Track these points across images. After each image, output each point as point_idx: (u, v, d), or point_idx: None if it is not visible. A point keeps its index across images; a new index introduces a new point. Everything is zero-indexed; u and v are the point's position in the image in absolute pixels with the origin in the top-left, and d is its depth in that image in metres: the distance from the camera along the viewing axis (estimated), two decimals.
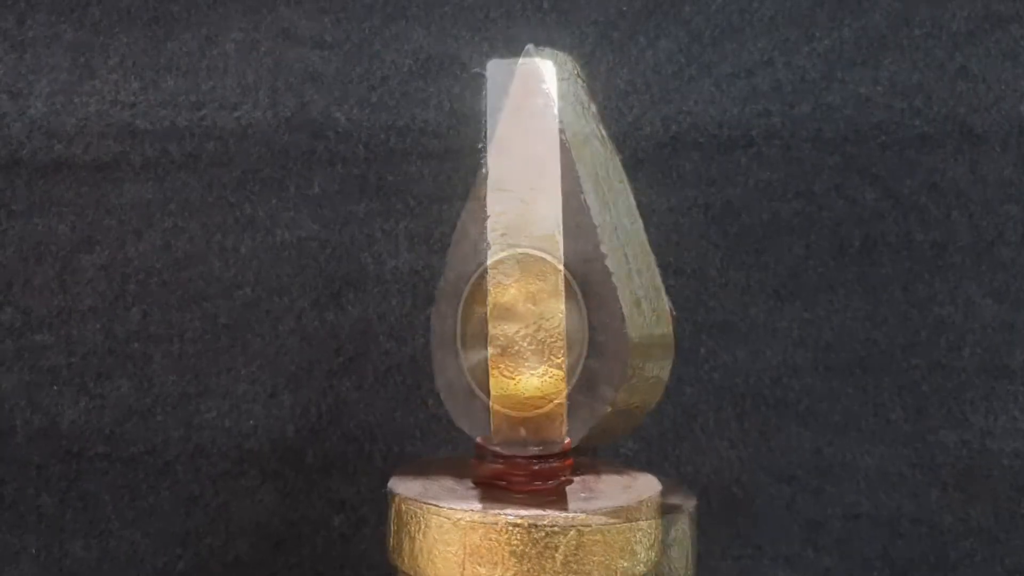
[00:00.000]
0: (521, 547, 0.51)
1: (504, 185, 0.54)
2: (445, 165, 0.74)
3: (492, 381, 0.54)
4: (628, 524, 0.52)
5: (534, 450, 0.54)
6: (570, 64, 0.56)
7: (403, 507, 0.54)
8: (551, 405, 0.53)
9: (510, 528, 0.51)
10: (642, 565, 0.52)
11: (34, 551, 0.73)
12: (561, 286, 0.53)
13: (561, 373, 0.53)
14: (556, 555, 0.51)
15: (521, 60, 0.55)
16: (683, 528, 0.54)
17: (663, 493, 0.56)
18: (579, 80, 0.56)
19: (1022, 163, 0.76)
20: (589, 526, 0.51)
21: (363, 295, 0.74)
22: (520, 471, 0.55)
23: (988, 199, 0.76)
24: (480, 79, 0.60)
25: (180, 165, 0.73)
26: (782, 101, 0.76)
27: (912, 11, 0.76)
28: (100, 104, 0.72)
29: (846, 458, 0.77)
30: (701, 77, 0.75)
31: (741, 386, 0.76)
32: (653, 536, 0.53)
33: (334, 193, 0.74)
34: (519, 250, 0.53)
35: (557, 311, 0.54)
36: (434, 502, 0.53)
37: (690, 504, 0.55)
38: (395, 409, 0.74)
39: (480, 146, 0.55)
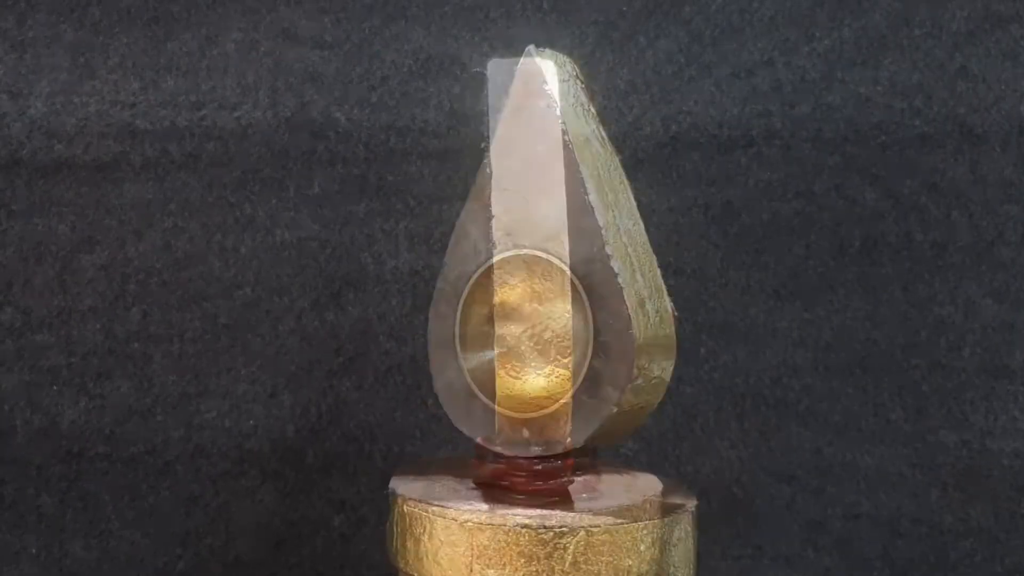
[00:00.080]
0: (531, 548, 0.51)
1: (508, 185, 0.54)
2: (445, 165, 0.74)
3: (498, 381, 0.54)
4: (636, 524, 0.52)
5: (536, 451, 0.54)
6: (569, 65, 0.56)
7: (406, 508, 0.54)
8: (556, 405, 0.53)
9: (519, 529, 0.51)
10: (647, 564, 0.52)
11: (34, 551, 0.73)
12: (567, 286, 0.53)
13: (567, 373, 0.53)
14: (566, 556, 0.51)
15: (522, 60, 0.55)
16: (685, 528, 0.54)
17: (664, 493, 0.56)
18: (578, 81, 0.56)
19: (1022, 163, 0.76)
20: (598, 526, 0.51)
21: (363, 295, 0.74)
22: (522, 471, 0.55)
23: (988, 199, 0.76)
24: (481, 79, 0.61)
25: (180, 165, 0.73)
26: (782, 101, 0.76)
27: (912, 11, 0.76)
28: (100, 104, 0.72)
29: (846, 458, 0.77)
30: (701, 77, 0.75)
31: (741, 386, 0.76)
32: (658, 535, 0.53)
33: (334, 193, 0.74)
34: (524, 251, 0.53)
35: (563, 311, 0.54)
36: (440, 503, 0.53)
37: (691, 504, 0.55)
38: (395, 409, 0.74)
39: (483, 146, 0.55)
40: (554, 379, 0.54)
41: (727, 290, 0.76)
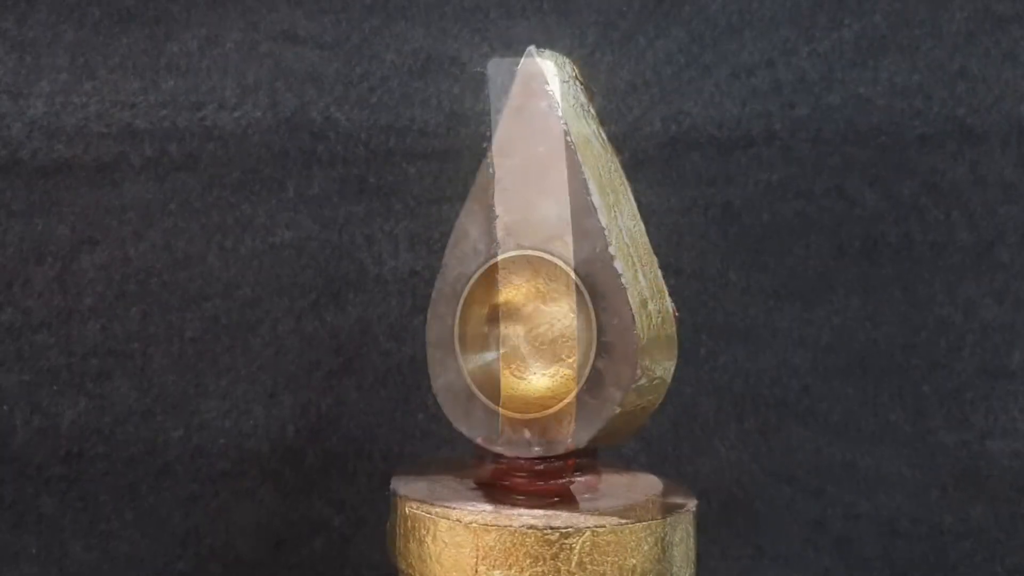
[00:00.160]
0: (537, 548, 0.51)
1: (509, 186, 0.54)
2: (444, 166, 0.74)
3: (509, 381, 0.54)
4: (641, 523, 0.52)
5: (538, 451, 0.54)
6: (569, 66, 0.56)
7: (408, 510, 0.54)
8: (559, 406, 0.53)
9: (526, 530, 0.51)
10: (650, 564, 0.52)
11: (34, 551, 0.73)
12: (570, 287, 0.53)
13: (570, 373, 0.53)
14: (572, 556, 0.51)
15: (523, 61, 0.55)
16: (687, 528, 0.54)
17: (665, 493, 0.57)
18: (578, 82, 0.56)
19: (1022, 164, 0.76)
20: (604, 526, 0.52)
21: (363, 295, 0.74)
22: (522, 472, 0.55)
23: (988, 200, 0.76)
24: (481, 79, 0.60)
25: (180, 165, 0.73)
26: (782, 101, 0.76)
27: (912, 12, 0.76)
28: (100, 104, 0.72)
29: (846, 458, 0.77)
30: (701, 77, 0.75)
31: (741, 386, 0.76)
32: (661, 535, 0.53)
33: (333, 193, 0.74)
34: (526, 251, 0.53)
35: (566, 312, 0.54)
36: (443, 505, 0.53)
37: (691, 503, 0.55)
38: (395, 410, 0.74)
39: (485, 145, 0.55)
40: (557, 380, 0.54)
41: (727, 290, 0.76)
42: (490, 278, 0.55)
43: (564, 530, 0.51)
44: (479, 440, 0.55)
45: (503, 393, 0.54)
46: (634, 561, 0.52)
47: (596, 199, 0.53)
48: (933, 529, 0.77)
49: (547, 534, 0.51)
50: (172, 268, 0.73)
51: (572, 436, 0.53)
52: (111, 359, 0.72)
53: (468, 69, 0.74)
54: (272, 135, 0.73)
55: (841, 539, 0.77)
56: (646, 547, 0.52)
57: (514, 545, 0.51)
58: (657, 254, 0.56)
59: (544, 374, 0.55)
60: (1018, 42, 0.76)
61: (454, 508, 0.53)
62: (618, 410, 0.52)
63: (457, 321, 0.55)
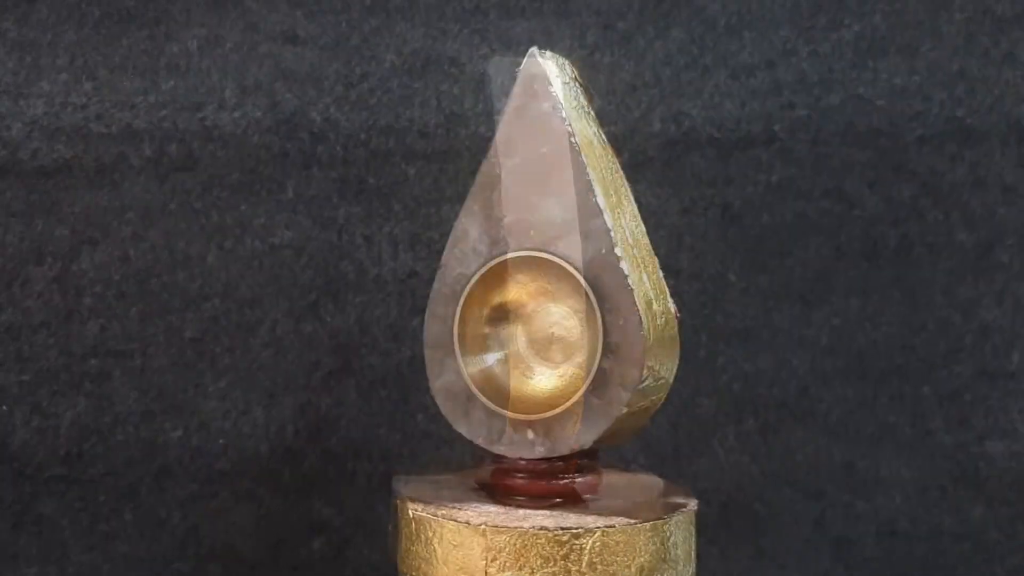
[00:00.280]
0: (548, 549, 0.51)
1: (512, 186, 0.54)
2: (444, 166, 0.74)
3: (507, 382, 0.54)
4: (648, 523, 0.53)
5: (541, 452, 0.54)
6: (569, 67, 0.56)
7: (413, 512, 0.54)
8: (564, 407, 0.53)
9: (537, 531, 0.51)
10: (656, 563, 0.53)
11: (33, 552, 0.72)
12: (575, 287, 0.53)
13: (576, 374, 0.54)
14: (582, 556, 0.51)
15: (525, 62, 0.55)
16: (689, 527, 0.55)
17: (667, 493, 0.57)
18: (577, 83, 0.56)
19: (1022, 165, 0.76)
20: (614, 526, 0.52)
21: (362, 296, 0.74)
22: (523, 473, 0.55)
23: (987, 201, 0.76)
24: (482, 79, 0.60)
25: (179, 166, 0.72)
26: (781, 102, 0.76)
27: (911, 13, 0.76)
28: (100, 104, 0.72)
29: (845, 459, 0.76)
30: (701, 78, 0.75)
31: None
32: (668, 534, 0.53)
33: (333, 194, 0.74)
34: (531, 252, 0.53)
35: (572, 312, 0.54)
36: (450, 507, 0.53)
37: (693, 503, 0.55)
38: (394, 410, 0.74)
39: (491, 145, 0.55)
40: (562, 380, 0.54)
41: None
42: (491, 279, 0.55)
43: (575, 531, 0.51)
44: (480, 441, 0.55)
45: (508, 394, 0.54)
46: (642, 560, 0.52)
47: (601, 200, 0.53)
48: (932, 530, 0.77)
49: (558, 535, 0.51)
50: (172, 268, 0.72)
51: (577, 436, 0.53)
52: (111, 359, 0.72)
53: (468, 70, 0.74)
54: (272, 136, 0.73)
55: (840, 540, 0.77)
56: (653, 547, 0.53)
57: (525, 546, 0.51)
58: (656, 255, 0.57)
59: (548, 375, 0.55)
60: (1017, 43, 0.76)
61: (462, 510, 0.53)
62: (624, 410, 0.52)
63: (456, 322, 0.55)
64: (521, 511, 0.53)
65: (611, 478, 0.58)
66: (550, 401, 0.54)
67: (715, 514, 0.75)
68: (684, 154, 0.75)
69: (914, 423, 0.77)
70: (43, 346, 0.72)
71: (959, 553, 0.77)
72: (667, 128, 0.75)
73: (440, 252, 0.56)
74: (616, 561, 0.52)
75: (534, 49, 0.55)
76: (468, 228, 0.55)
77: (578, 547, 0.51)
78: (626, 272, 0.52)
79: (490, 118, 0.69)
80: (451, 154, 0.74)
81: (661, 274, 0.56)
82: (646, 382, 0.53)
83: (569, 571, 0.51)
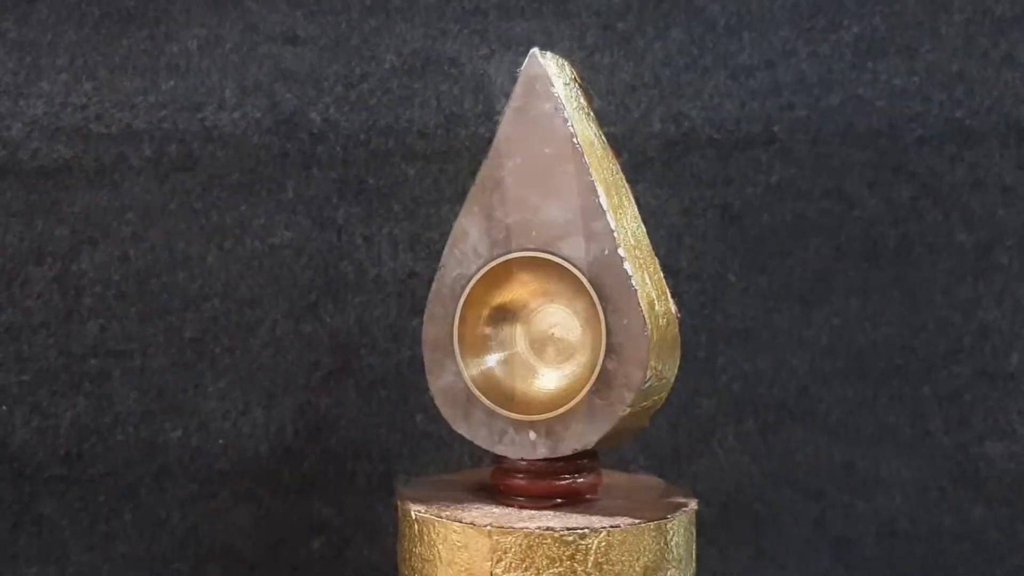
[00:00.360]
0: (554, 550, 0.51)
1: (513, 187, 0.54)
2: (444, 167, 0.74)
3: (510, 383, 0.54)
4: (652, 523, 0.53)
5: (543, 452, 0.54)
6: (568, 68, 0.56)
7: (416, 513, 0.54)
8: (567, 407, 0.53)
9: (543, 531, 0.51)
10: (660, 562, 0.53)
11: (33, 552, 0.72)
12: (578, 288, 0.53)
13: (579, 375, 0.53)
14: (588, 557, 0.51)
15: (526, 63, 0.55)
16: (690, 527, 0.55)
17: (668, 492, 0.57)
18: (577, 84, 0.56)
19: (1021, 166, 0.76)
20: (619, 526, 0.52)
21: (362, 296, 0.74)
22: (524, 473, 0.55)
23: (987, 202, 0.76)
24: (481, 80, 0.60)
25: (179, 166, 0.72)
26: (781, 103, 0.76)
27: (911, 14, 0.76)
28: (100, 104, 0.72)
29: (845, 460, 0.76)
30: (701, 79, 0.75)
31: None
32: (671, 534, 0.53)
33: (333, 194, 0.74)
34: (533, 252, 0.53)
35: (575, 312, 0.54)
36: (454, 507, 0.53)
37: (693, 503, 0.55)
38: (394, 410, 0.74)
39: (491, 146, 0.55)
40: (564, 381, 0.54)
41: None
42: (491, 279, 0.55)
43: (581, 531, 0.51)
44: (480, 442, 0.55)
45: (508, 395, 0.54)
46: (646, 560, 0.52)
47: (603, 201, 0.53)
48: (932, 530, 0.77)
49: (564, 535, 0.51)
50: (171, 268, 0.72)
51: (580, 437, 0.53)
52: (110, 359, 0.72)
53: (467, 70, 0.74)
54: (272, 136, 0.73)
55: (840, 540, 0.77)
56: (657, 546, 0.53)
57: (531, 547, 0.51)
58: (656, 255, 0.57)
59: (550, 375, 0.55)
60: (1017, 44, 0.76)
61: (467, 511, 0.53)
62: (628, 411, 0.53)
63: (456, 322, 0.55)
64: (525, 512, 0.53)
65: (610, 478, 0.58)
66: (552, 401, 0.54)
67: (715, 514, 0.75)
68: (684, 155, 0.75)
69: (914, 423, 0.77)
70: (43, 346, 0.72)
71: (959, 553, 0.77)
72: (667, 129, 0.75)
73: (440, 253, 0.56)
74: (621, 561, 0.52)
75: (535, 50, 0.55)
76: (468, 229, 0.55)
77: (584, 547, 0.51)
78: (629, 273, 0.52)
79: (490, 119, 0.69)
80: (451, 154, 0.74)
81: (661, 274, 0.56)
82: (649, 382, 0.53)
83: (575, 571, 0.51)
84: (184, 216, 0.72)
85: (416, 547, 0.54)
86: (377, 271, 0.74)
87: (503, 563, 0.51)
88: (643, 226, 0.56)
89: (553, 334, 0.55)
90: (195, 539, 0.73)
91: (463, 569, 0.52)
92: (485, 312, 0.55)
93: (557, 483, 0.54)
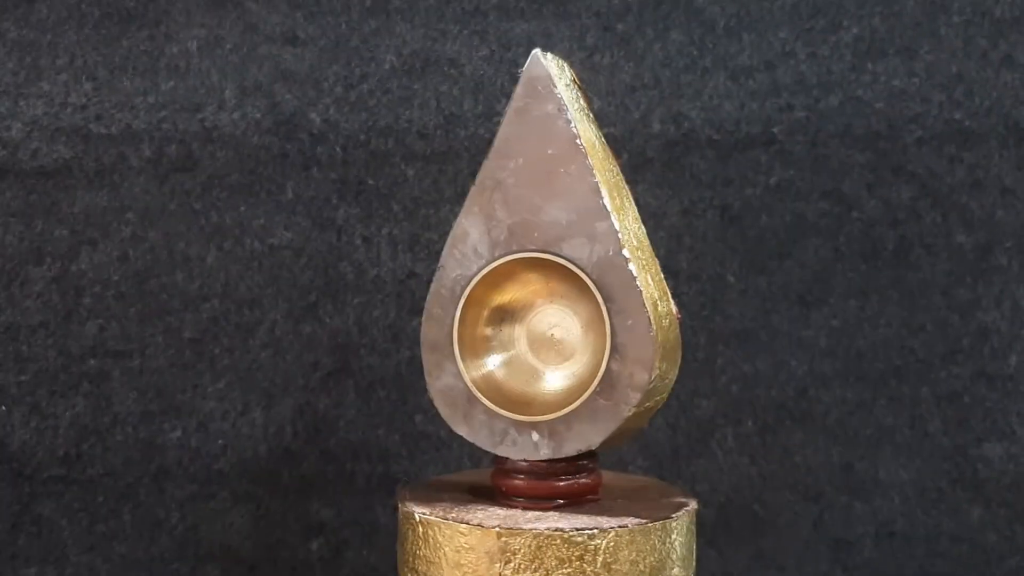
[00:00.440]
0: (563, 551, 0.51)
1: (515, 187, 0.54)
2: (443, 167, 0.74)
3: (511, 384, 0.54)
4: (658, 522, 0.53)
5: (546, 453, 0.54)
6: (568, 70, 0.56)
7: (421, 516, 0.53)
8: (572, 407, 0.53)
9: (552, 532, 0.51)
10: (663, 561, 0.53)
11: (32, 552, 0.72)
12: (582, 288, 0.53)
13: (584, 374, 0.53)
14: (597, 557, 0.51)
15: (527, 63, 0.55)
16: (690, 527, 0.55)
17: (668, 493, 0.57)
18: (576, 85, 0.56)
19: (1020, 167, 0.76)
20: (627, 526, 0.52)
21: (361, 297, 0.74)
22: (525, 474, 0.55)
23: (986, 203, 0.76)
24: (480, 81, 0.60)
25: (179, 167, 0.72)
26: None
27: (910, 15, 0.76)
28: (100, 105, 0.72)
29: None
30: (700, 80, 0.75)
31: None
32: (674, 533, 0.53)
33: (332, 195, 0.73)
34: (535, 253, 0.53)
35: (577, 313, 0.54)
36: (461, 509, 0.53)
37: (693, 503, 0.56)
38: (393, 411, 0.74)
39: (491, 147, 0.55)
40: (567, 382, 0.54)
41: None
42: (492, 280, 0.55)
43: (590, 531, 0.51)
44: (481, 443, 0.55)
45: (511, 396, 0.54)
46: (651, 559, 0.52)
47: (607, 202, 0.53)
48: (930, 532, 0.77)
49: (573, 536, 0.51)
50: (171, 269, 0.72)
51: (584, 438, 0.53)
52: (109, 360, 0.72)
53: (467, 71, 0.74)
54: (271, 136, 0.73)
55: (839, 541, 0.77)
56: (662, 545, 0.53)
57: (540, 548, 0.51)
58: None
59: (552, 376, 0.55)
60: (1016, 46, 0.76)
61: (471, 512, 0.53)
62: (633, 411, 0.52)
63: (456, 323, 0.55)
64: (531, 513, 0.53)
65: (611, 479, 0.58)
66: (554, 402, 0.54)
67: (714, 515, 0.75)
68: (683, 155, 0.75)
69: (912, 425, 0.77)
70: (42, 346, 0.72)
71: (957, 555, 0.77)
72: (666, 129, 0.75)
73: (439, 253, 0.56)
74: (629, 560, 0.52)
75: (537, 51, 0.55)
76: (468, 229, 0.55)
77: (593, 548, 0.51)
78: (634, 274, 0.52)
79: (489, 119, 0.69)
80: (450, 155, 0.74)
81: (662, 275, 0.56)
82: (653, 383, 0.53)
83: (584, 572, 0.51)
84: (184, 216, 0.72)
85: (420, 549, 0.53)
86: (376, 271, 0.74)
87: (512, 564, 0.51)
88: (643, 227, 0.56)
89: (553, 335, 0.55)
90: (194, 539, 0.73)
91: (470, 571, 0.52)
92: (485, 313, 0.55)
93: (559, 484, 0.54)
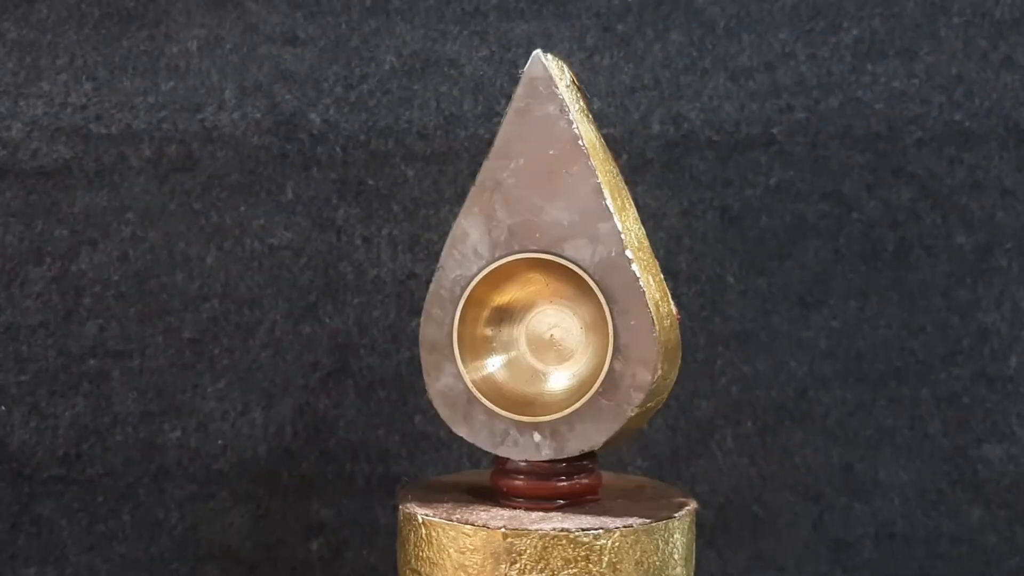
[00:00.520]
0: (568, 551, 0.51)
1: (516, 188, 0.54)
2: (443, 168, 0.74)
3: (512, 384, 0.54)
4: (661, 522, 0.53)
5: (547, 454, 0.54)
6: (568, 71, 0.56)
7: (424, 517, 0.53)
8: (574, 407, 0.53)
9: (558, 532, 0.51)
10: (665, 560, 0.53)
11: (32, 553, 0.72)
12: (584, 289, 0.53)
13: (586, 374, 0.53)
14: (603, 557, 0.51)
15: (528, 64, 0.55)
16: (691, 526, 0.55)
17: (667, 493, 0.57)
18: (575, 86, 0.56)
19: (1020, 168, 0.76)
20: (631, 526, 0.52)
21: (361, 297, 0.74)
22: (526, 475, 0.55)
23: (986, 204, 0.76)
24: (480, 81, 0.60)
25: (179, 167, 0.72)
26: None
27: (910, 16, 0.76)
28: (100, 105, 0.72)
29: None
30: (700, 81, 0.75)
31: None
32: (676, 533, 0.53)
33: (332, 195, 0.73)
34: (537, 253, 0.53)
35: (579, 314, 0.54)
36: (466, 510, 0.53)
37: (692, 503, 0.56)
38: (393, 411, 0.74)
39: (491, 147, 0.55)
40: (569, 382, 0.54)
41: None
42: (492, 280, 0.55)
43: (595, 531, 0.51)
44: (482, 444, 0.55)
45: (510, 396, 0.54)
46: (655, 559, 0.53)
47: (609, 203, 0.53)
48: (930, 533, 0.77)
49: (579, 536, 0.51)
50: (171, 269, 0.72)
51: (586, 438, 0.53)
52: (109, 360, 0.72)
53: (467, 72, 0.74)
54: (271, 137, 0.73)
55: (838, 542, 0.77)
56: (665, 544, 0.53)
57: (546, 548, 0.51)
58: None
59: (553, 377, 0.55)
60: (1015, 47, 0.76)
61: (474, 513, 0.53)
62: (635, 411, 0.52)
63: (456, 324, 0.55)
64: (534, 513, 0.53)
65: (610, 480, 0.58)
66: (556, 403, 0.54)
67: (713, 516, 0.75)
68: (683, 156, 0.75)
69: (912, 426, 0.77)
70: (42, 346, 0.72)
71: (957, 556, 0.77)
72: (666, 130, 0.75)
73: (439, 254, 0.55)
74: (633, 560, 0.52)
75: (538, 51, 0.55)
76: (468, 230, 0.55)
77: (598, 548, 0.51)
78: (637, 274, 0.52)
79: (489, 120, 0.69)
80: (450, 156, 0.74)
81: (662, 276, 0.56)
82: (656, 383, 0.53)
83: (590, 572, 0.51)
84: (184, 216, 0.72)
85: (423, 551, 0.53)
86: (376, 272, 0.74)
87: (518, 565, 0.51)
88: (643, 228, 0.56)
89: (552, 335, 0.55)
90: (194, 540, 0.73)
91: (475, 572, 0.52)
92: (485, 313, 0.55)
93: (560, 484, 0.54)
